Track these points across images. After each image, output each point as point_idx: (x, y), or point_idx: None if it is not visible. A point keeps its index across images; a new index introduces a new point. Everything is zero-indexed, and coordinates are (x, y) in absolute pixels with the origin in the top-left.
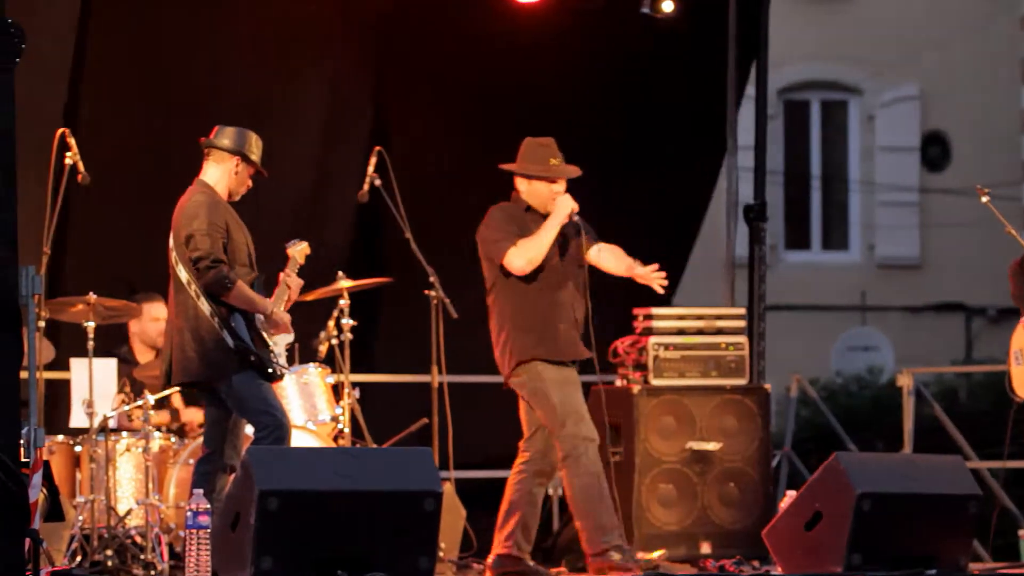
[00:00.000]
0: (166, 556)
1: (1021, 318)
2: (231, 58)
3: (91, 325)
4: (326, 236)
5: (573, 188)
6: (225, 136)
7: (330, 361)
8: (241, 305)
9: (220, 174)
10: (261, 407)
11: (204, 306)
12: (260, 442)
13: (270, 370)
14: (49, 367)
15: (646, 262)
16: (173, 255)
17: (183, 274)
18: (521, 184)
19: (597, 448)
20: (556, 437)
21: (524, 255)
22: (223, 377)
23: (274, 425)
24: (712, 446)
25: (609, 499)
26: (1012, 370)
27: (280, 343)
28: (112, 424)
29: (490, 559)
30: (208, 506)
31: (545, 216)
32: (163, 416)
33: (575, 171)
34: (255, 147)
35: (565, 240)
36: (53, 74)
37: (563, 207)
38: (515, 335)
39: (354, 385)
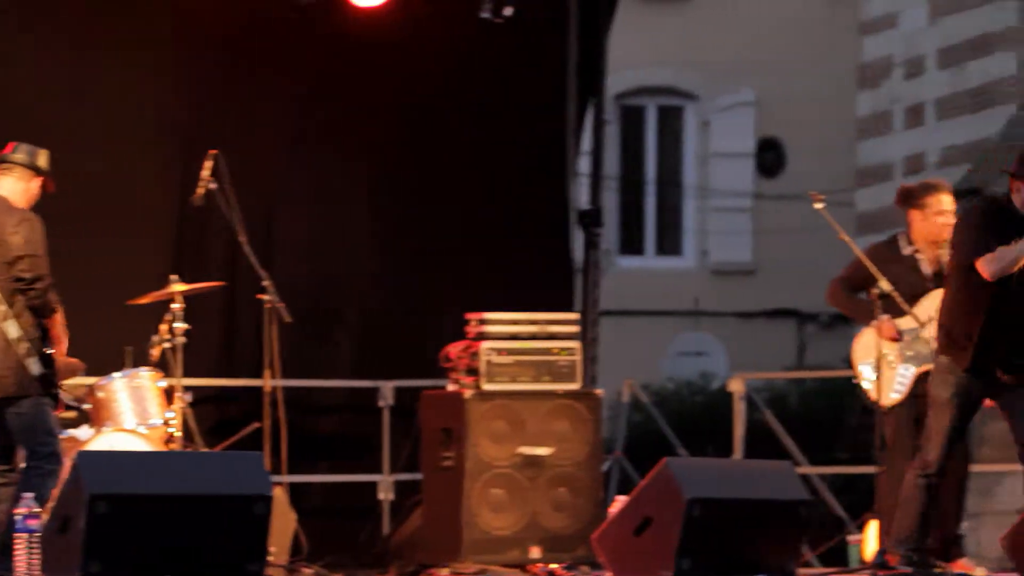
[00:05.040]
0: None
1: (863, 330)
2: (44, 70)
3: None
4: (158, 240)
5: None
6: (26, 154)
7: (162, 365)
8: (60, 329)
9: (19, 191)
10: (52, 433)
11: (11, 328)
12: (36, 468)
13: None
14: None
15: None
16: None
17: None
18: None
19: None
20: None
21: (992, 265)
22: (26, 397)
23: (58, 453)
24: (543, 451)
25: None
26: (864, 380)
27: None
28: None
29: None
30: (39, 509)
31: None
32: None
33: None
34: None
35: None
36: None
37: None
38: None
39: (186, 389)
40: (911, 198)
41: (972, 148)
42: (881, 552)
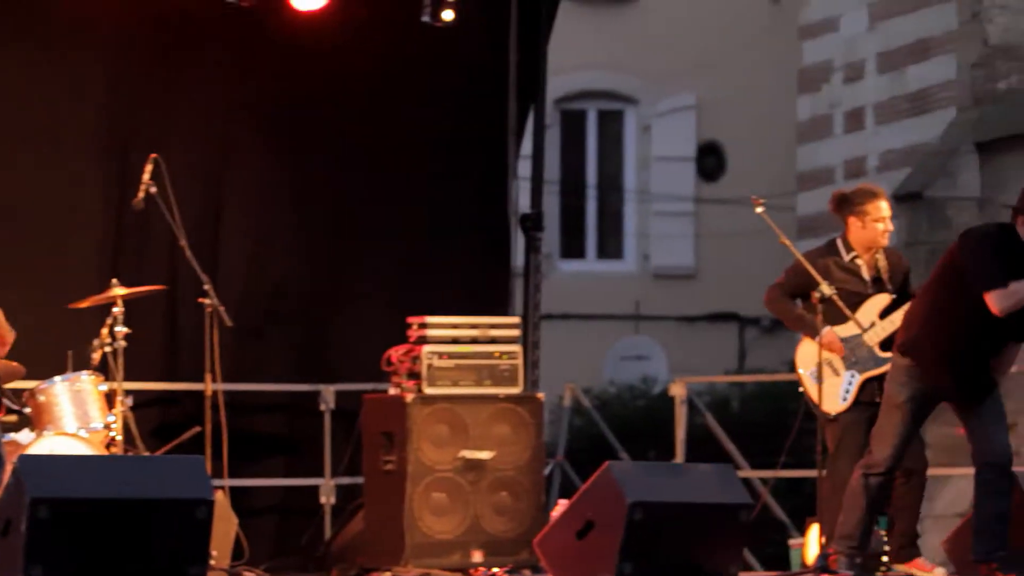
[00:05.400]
0: None
1: (803, 336)
2: None
3: None
4: (98, 244)
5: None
6: None
7: (103, 369)
8: (4, 331)
9: None
10: None
11: None
12: None
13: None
14: None
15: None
16: None
17: None
18: None
19: None
20: None
21: (1005, 302)
22: None
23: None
24: (485, 455)
25: None
26: (809, 387)
27: None
28: None
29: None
30: None
31: None
32: None
33: None
34: None
35: None
36: None
37: None
38: None
39: (127, 392)
40: (848, 204)
41: (912, 152)
42: (823, 556)
